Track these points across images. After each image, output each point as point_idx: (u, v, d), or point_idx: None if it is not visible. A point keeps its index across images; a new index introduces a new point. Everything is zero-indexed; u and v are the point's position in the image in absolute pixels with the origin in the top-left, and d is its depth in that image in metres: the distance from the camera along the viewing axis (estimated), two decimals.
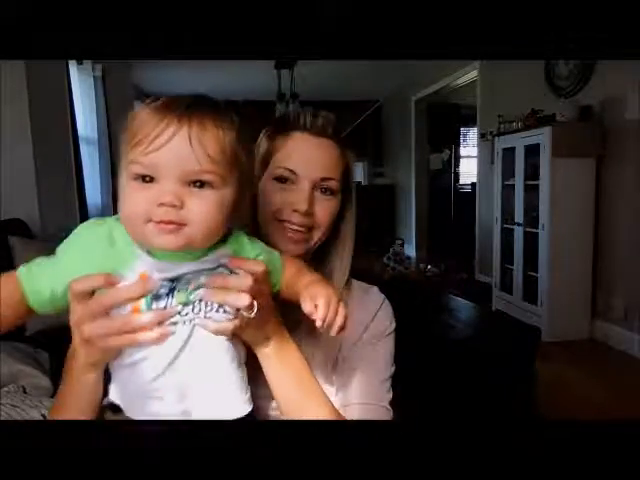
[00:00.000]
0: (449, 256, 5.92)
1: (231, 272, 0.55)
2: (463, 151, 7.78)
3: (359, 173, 8.50)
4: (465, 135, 7.81)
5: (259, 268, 0.56)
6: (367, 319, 0.80)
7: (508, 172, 3.60)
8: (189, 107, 0.49)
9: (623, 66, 2.84)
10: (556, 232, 3.08)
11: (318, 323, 0.55)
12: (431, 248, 6.54)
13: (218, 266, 0.54)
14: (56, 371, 1.61)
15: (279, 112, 5.31)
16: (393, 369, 0.81)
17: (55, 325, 2.12)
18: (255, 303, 0.54)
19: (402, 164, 6.85)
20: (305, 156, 0.73)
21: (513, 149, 3.48)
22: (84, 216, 3.33)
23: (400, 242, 5.71)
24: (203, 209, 0.48)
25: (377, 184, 7.76)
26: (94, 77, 3.68)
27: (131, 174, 0.48)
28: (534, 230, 3.28)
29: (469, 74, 4.81)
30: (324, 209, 0.74)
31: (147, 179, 0.48)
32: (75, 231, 0.54)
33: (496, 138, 3.73)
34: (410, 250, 6.38)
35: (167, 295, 0.51)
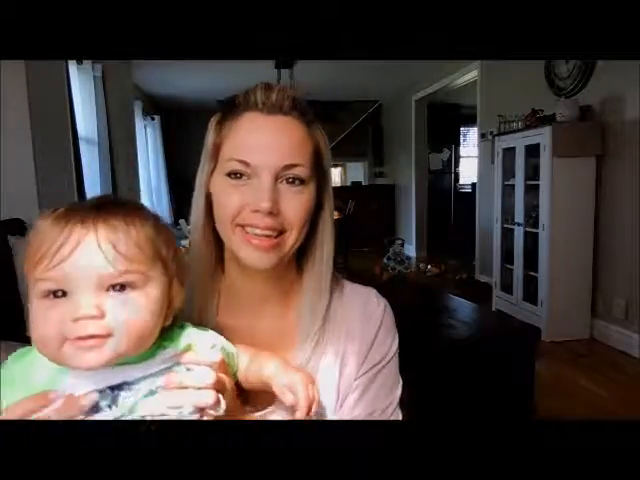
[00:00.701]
0: (449, 256, 5.92)
1: (187, 370, 0.48)
2: (463, 151, 7.80)
3: (359, 173, 8.50)
4: (465, 135, 7.82)
5: (216, 358, 0.50)
6: (367, 343, 0.68)
7: (508, 172, 3.60)
8: (92, 209, 0.44)
9: (623, 66, 2.84)
10: (556, 232, 3.08)
11: (299, 414, 0.52)
12: (431, 248, 6.55)
13: (170, 366, 0.47)
14: None
15: None
16: (400, 386, 0.71)
17: None
18: (222, 398, 0.47)
19: (402, 164, 6.85)
20: (259, 141, 0.59)
21: (513, 149, 3.48)
22: None
23: (400, 242, 5.72)
24: (127, 314, 0.42)
25: (377, 184, 7.76)
26: (94, 77, 3.68)
27: (39, 292, 0.42)
28: (534, 230, 3.28)
29: (469, 74, 4.82)
30: (294, 204, 0.60)
31: (58, 294, 0.42)
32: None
33: (496, 138, 3.74)
34: (410, 250, 6.38)
35: (109, 407, 0.44)
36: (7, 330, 1.86)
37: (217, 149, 0.63)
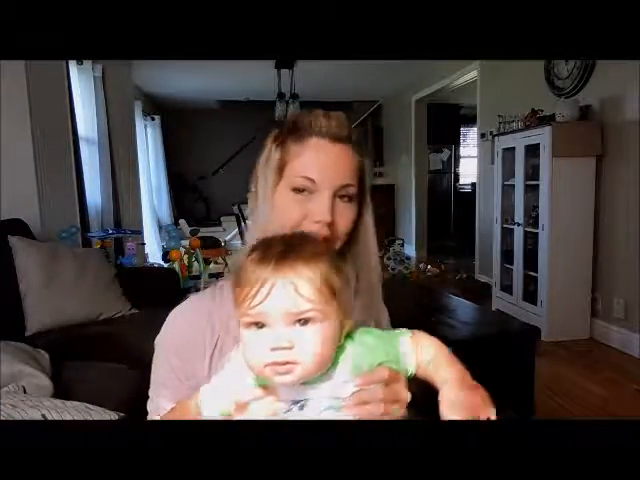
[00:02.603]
0: (449, 256, 5.92)
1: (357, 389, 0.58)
2: (463, 151, 7.80)
3: None
4: (465, 135, 7.82)
5: (383, 375, 0.58)
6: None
7: (508, 172, 3.60)
8: (283, 255, 0.55)
9: (623, 66, 2.84)
10: (556, 232, 3.08)
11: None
12: (431, 248, 6.55)
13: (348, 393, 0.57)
14: (56, 371, 1.61)
15: (279, 111, 5.31)
16: None
17: (55, 326, 2.12)
18: (391, 407, 0.58)
19: (402, 164, 6.85)
20: (324, 163, 0.70)
21: (513, 149, 3.48)
22: (84, 216, 3.33)
23: (400, 242, 5.72)
24: (311, 346, 0.54)
25: (377, 184, 7.76)
26: (94, 77, 3.68)
27: (244, 324, 0.56)
28: (534, 230, 3.28)
29: (469, 74, 4.82)
30: (345, 217, 0.71)
31: (259, 325, 0.54)
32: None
33: (496, 138, 3.74)
34: (410, 250, 6.38)
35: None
36: (7, 330, 1.86)
37: (282, 166, 0.72)
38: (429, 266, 5.37)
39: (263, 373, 0.54)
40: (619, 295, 3.00)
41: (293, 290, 0.53)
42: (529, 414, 1.83)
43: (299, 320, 0.54)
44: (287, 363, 0.53)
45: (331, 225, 0.69)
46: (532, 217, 3.34)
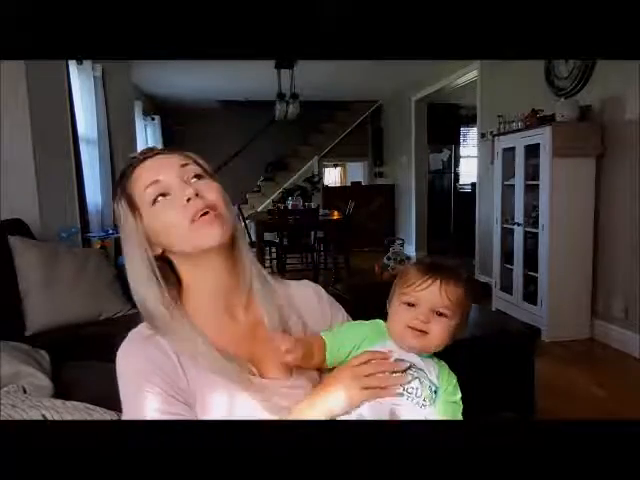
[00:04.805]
0: (449, 256, 5.92)
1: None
2: (463, 151, 7.79)
3: (359, 173, 8.51)
4: (465, 135, 7.81)
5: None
6: (326, 312, 0.90)
7: (508, 172, 3.60)
8: (441, 272, 0.77)
9: (623, 66, 2.84)
10: (556, 232, 3.08)
11: None
12: (431, 248, 6.55)
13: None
14: (56, 371, 1.61)
15: (279, 111, 5.31)
16: None
17: (55, 326, 2.12)
18: None
19: (402, 164, 6.85)
20: (152, 164, 0.76)
21: (513, 149, 3.48)
22: (84, 216, 3.33)
23: (400, 242, 5.71)
24: (439, 330, 0.75)
25: (377, 184, 7.77)
26: (94, 77, 3.68)
27: (400, 301, 0.77)
28: (534, 230, 3.28)
29: (469, 74, 4.82)
30: (208, 189, 0.75)
31: (411, 305, 0.76)
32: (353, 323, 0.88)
33: (496, 138, 3.73)
34: (410, 250, 6.38)
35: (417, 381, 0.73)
36: (7, 330, 1.86)
37: (131, 201, 0.75)
38: None
39: (400, 334, 0.75)
40: (619, 295, 3.00)
41: (443, 293, 0.75)
42: (529, 414, 1.83)
43: (437, 312, 0.75)
44: (422, 331, 0.73)
45: (200, 197, 0.72)
46: (532, 217, 3.34)
